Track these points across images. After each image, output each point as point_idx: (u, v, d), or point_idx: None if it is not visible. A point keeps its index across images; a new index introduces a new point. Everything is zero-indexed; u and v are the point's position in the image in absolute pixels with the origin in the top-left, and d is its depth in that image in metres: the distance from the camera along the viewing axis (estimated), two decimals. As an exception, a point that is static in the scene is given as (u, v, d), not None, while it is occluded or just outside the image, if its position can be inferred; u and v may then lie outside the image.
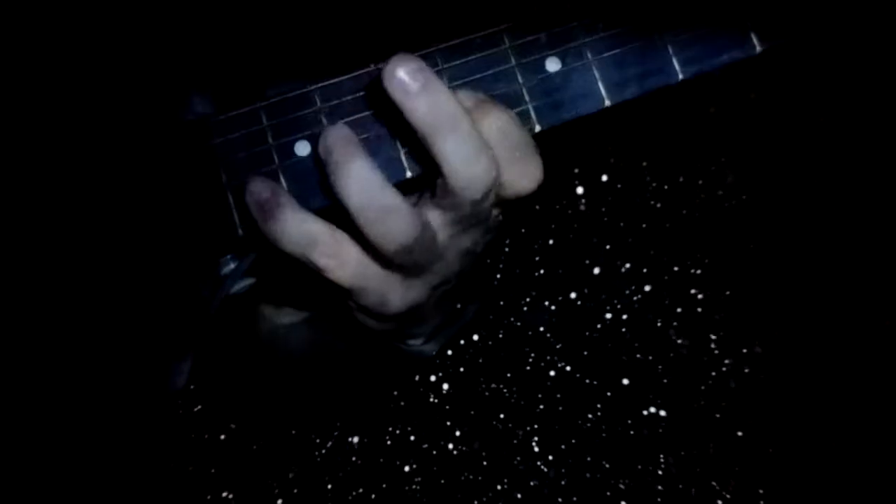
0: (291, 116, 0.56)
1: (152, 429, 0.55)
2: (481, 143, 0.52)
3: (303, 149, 0.57)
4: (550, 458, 0.86)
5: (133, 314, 0.54)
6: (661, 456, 0.85)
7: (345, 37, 0.51)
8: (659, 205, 0.87)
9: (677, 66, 0.51)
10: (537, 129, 0.54)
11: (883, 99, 0.62)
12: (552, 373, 0.88)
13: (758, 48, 0.50)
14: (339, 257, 0.55)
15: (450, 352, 0.88)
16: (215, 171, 0.56)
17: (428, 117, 0.51)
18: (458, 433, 0.87)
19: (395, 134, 0.55)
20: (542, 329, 0.88)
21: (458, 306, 0.74)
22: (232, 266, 0.59)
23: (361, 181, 0.54)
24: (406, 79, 0.50)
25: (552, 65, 0.53)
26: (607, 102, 0.52)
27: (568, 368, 0.87)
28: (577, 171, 0.88)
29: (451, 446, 0.87)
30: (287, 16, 0.63)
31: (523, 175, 0.54)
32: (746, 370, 0.87)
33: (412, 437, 0.88)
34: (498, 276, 0.88)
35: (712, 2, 0.51)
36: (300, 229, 0.55)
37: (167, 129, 0.56)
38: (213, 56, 0.58)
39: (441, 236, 0.57)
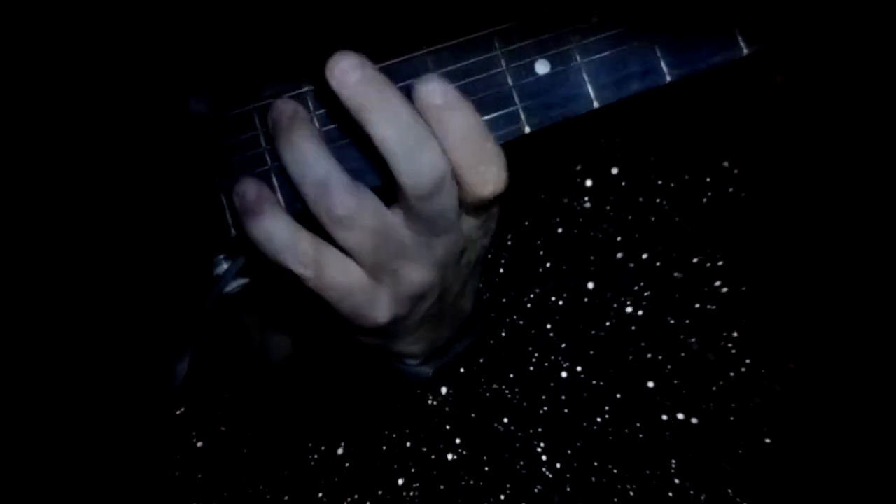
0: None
1: (151, 429, 0.62)
2: (426, 135, 0.57)
3: None
4: (555, 462, 0.89)
5: (128, 311, 0.60)
6: (672, 461, 0.88)
7: (337, 40, 0.57)
8: (667, 200, 0.91)
9: (665, 69, 0.58)
10: (527, 130, 0.60)
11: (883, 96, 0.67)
12: (557, 373, 0.90)
13: (745, 51, 0.56)
14: (316, 266, 0.61)
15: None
16: (209, 172, 0.62)
17: (367, 108, 0.56)
18: (458, 437, 0.90)
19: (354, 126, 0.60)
20: (546, 327, 0.91)
21: (453, 335, 0.79)
22: (225, 266, 0.66)
23: (299, 153, 0.59)
24: (344, 72, 0.56)
25: (542, 67, 0.59)
26: (596, 104, 0.58)
27: (574, 369, 0.90)
28: (585, 162, 0.92)
29: (450, 451, 0.90)
30: (281, 18, 0.69)
31: (482, 179, 0.60)
32: (763, 370, 0.90)
33: (409, 442, 0.90)
34: (501, 270, 0.92)
35: (700, 6, 0.56)
36: (280, 235, 0.60)
37: (163, 129, 0.61)
38: (209, 56, 0.64)
39: (406, 237, 0.62)
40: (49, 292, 0.59)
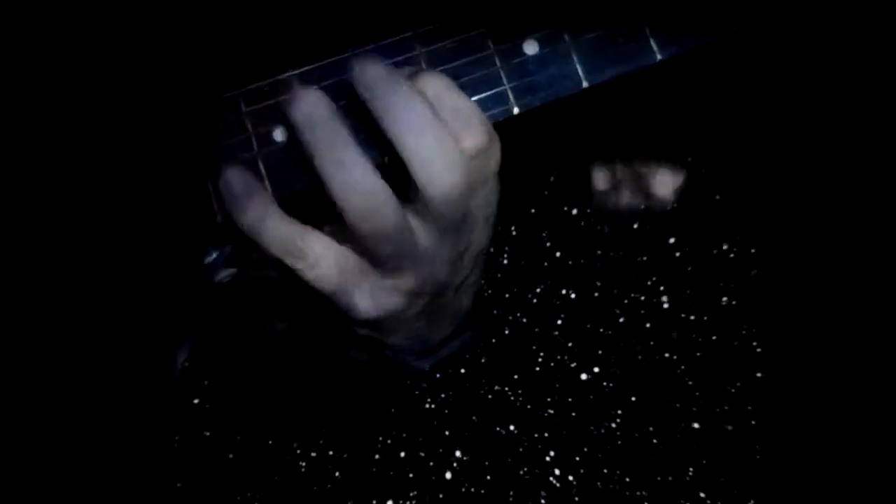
0: (270, 103, 0.68)
1: (148, 426, 0.67)
2: (435, 121, 0.63)
3: (281, 135, 0.69)
4: (562, 469, 0.92)
5: (119, 299, 0.65)
6: (690, 468, 0.91)
7: (326, 23, 0.64)
8: (684, 188, 0.95)
9: (655, 48, 0.64)
10: (515, 111, 0.66)
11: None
12: (563, 374, 0.93)
13: (735, 31, 0.63)
14: (307, 257, 0.67)
15: (448, 351, 0.92)
16: (195, 158, 0.68)
17: (391, 113, 0.63)
18: (457, 442, 0.92)
19: (371, 122, 0.66)
20: (552, 325, 0.94)
21: (450, 332, 0.83)
22: (214, 255, 0.71)
23: (347, 166, 0.64)
24: (372, 80, 0.62)
25: (530, 48, 0.65)
26: (585, 84, 0.64)
27: (582, 369, 0.93)
28: (594, 149, 0.96)
29: (450, 456, 0.92)
30: (268, 2, 0.76)
31: (460, 136, 0.64)
32: (780, 371, 0.93)
33: (406, 447, 0.93)
34: (504, 262, 0.96)
35: (689, -16, 0.63)
36: (270, 225, 0.66)
37: (161, 119, 0.67)
38: (199, 42, 0.71)
39: (421, 235, 0.67)
40: (39, 280, 0.64)
